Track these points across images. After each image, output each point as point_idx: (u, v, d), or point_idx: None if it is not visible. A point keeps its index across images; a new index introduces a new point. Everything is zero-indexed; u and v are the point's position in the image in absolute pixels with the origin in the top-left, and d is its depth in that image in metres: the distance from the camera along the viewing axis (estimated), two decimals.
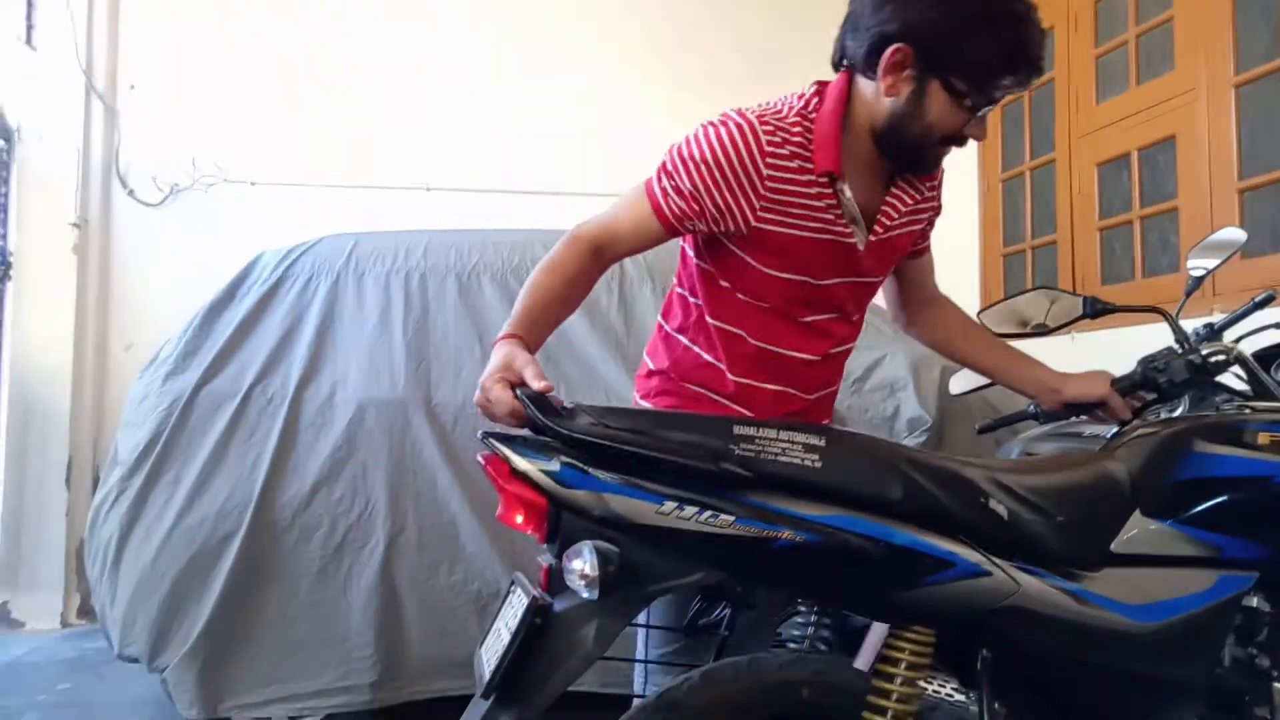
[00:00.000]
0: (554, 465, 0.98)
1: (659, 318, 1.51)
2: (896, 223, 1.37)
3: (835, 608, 1.05)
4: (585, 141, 4.27)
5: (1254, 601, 1.17)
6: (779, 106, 1.30)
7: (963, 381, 2.00)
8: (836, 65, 1.33)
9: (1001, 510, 1.05)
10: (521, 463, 0.99)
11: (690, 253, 1.42)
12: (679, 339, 1.43)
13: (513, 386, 1.07)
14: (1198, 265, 1.74)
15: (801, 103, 1.30)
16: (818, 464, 1.00)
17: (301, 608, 2.33)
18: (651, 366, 1.48)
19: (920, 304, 1.61)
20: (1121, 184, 3.35)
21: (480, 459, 1.04)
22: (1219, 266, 1.73)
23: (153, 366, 2.58)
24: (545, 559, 1.04)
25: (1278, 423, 1.20)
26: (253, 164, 4.10)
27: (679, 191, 1.27)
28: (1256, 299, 1.73)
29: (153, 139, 4.08)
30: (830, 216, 1.28)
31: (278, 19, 4.19)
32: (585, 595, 0.95)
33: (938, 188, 1.47)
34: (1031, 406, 1.61)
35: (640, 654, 1.41)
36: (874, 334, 2.65)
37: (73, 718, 2.69)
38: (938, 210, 1.51)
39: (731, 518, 0.97)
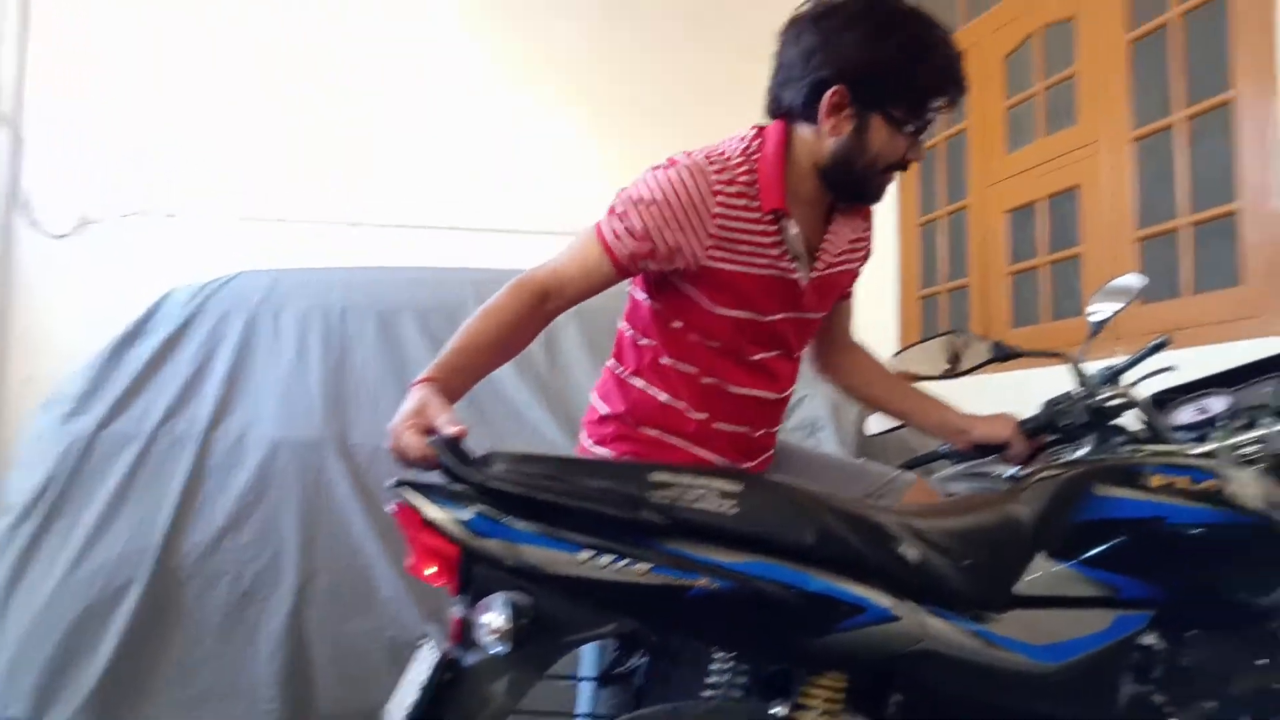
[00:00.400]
0: (466, 514, 0.96)
1: (610, 360, 1.50)
2: (837, 258, 1.43)
3: (750, 655, 1.05)
4: (517, 179, 4.28)
5: (1149, 640, 1.21)
6: (722, 149, 1.34)
7: (880, 421, 2.05)
8: (773, 115, 1.38)
9: (910, 554, 1.07)
10: (433, 511, 0.97)
11: (641, 295, 1.43)
12: (633, 382, 1.43)
13: (425, 432, 1.05)
14: (1099, 310, 1.82)
15: (744, 144, 1.34)
16: (734, 510, 1.01)
17: (204, 659, 2.22)
18: (605, 411, 1.46)
19: (837, 349, 1.66)
20: (1030, 230, 3.49)
21: (391, 507, 1.02)
22: (1120, 311, 1.81)
23: (51, 405, 2.46)
24: (457, 610, 1.02)
25: (1169, 465, 1.25)
26: (170, 196, 3.98)
27: (630, 232, 1.29)
28: (1153, 343, 1.82)
29: (63, 168, 3.93)
30: (776, 253, 1.33)
31: (200, 47, 4.09)
32: (496, 649, 0.93)
33: (870, 228, 1.53)
34: (943, 447, 1.65)
35: (583, 706, 1.38)
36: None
37: None
38: (868, 254, 1.56)
39: (647, 566, 0.97)
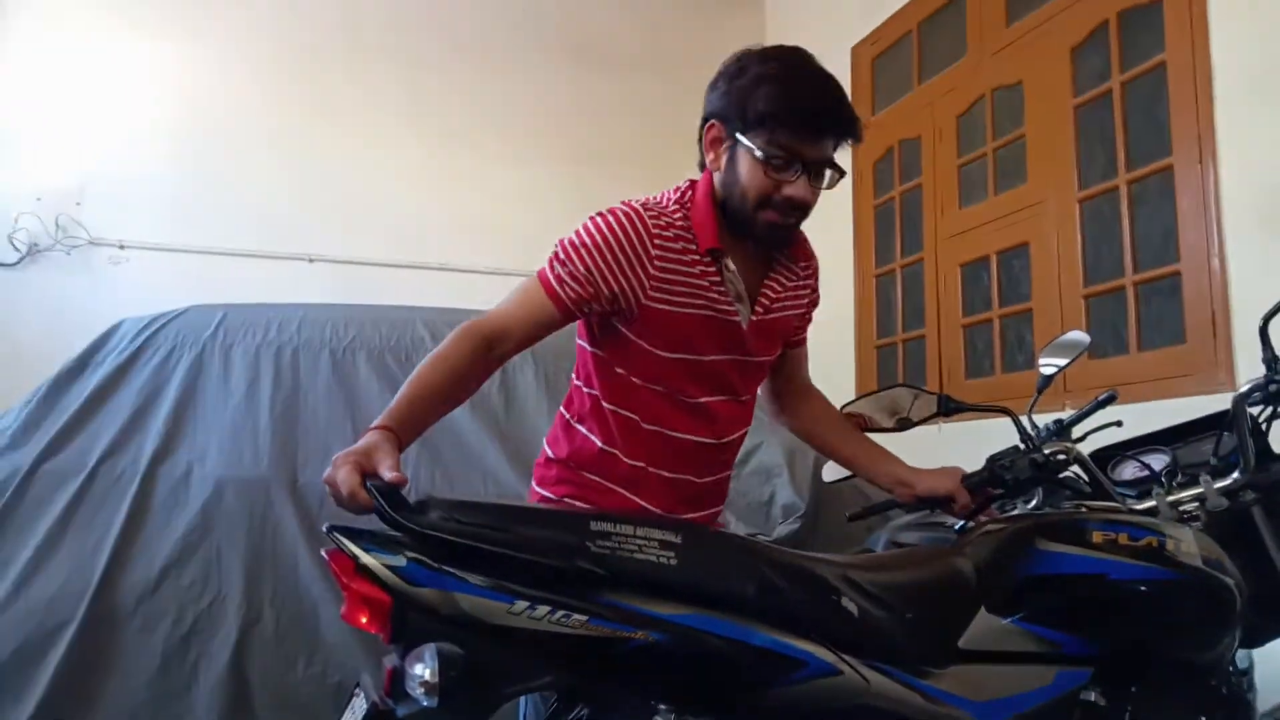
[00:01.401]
0: (400, 561, 0.94)
1: (560, 407, 1.51)
2: (777, 303, 1.44)
3: (688, 709, 1.03)
4: (474, 219, 4.29)
5: (1091, 696, 1.22)
6: (658, 198, 1.39)
7: (836, 469, 2.06)
8: (701, 167, 1.43)
9: (852, 608, 1.07)
10: (366, 558, 0.95)
11: (584, 342, 1.44)
12: (578, 428, 1.44)
13: (364, 474, 1.03)
14: (1047, 364, 1.86)
15: (677, 194, 1.39)
16: (673, 561, 1.00)
17: (140, 705, 2.13)
18: (551, 455, 1.47)
19: (792, 394, 1.68)
20: (982, 284, 3.56)
21: (324, 554, 0.99)
22: (1067, 366, 1.85)
23: None
24: (390, 660, 0.99)
25: (1111, 522, 1.27)
26: (123, 226, 3.92)
27: (574, 277, 1.31)
28: (1099, 398, 1.86)
29: (11, 195, 3.86)
30: (715, 294, 1.35)
31: (156, 74, 4.06)
32: (425, 702, 0.91)
33: (814, 275, 1.56)
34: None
35: None
36: (753, 420, 2.70)
37: None
38: (815, 301, 1.59)
39: (585, 618, 0.95)
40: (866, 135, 3.82)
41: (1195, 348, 2.67)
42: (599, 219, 1.33)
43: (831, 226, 4.40)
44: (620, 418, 1.39)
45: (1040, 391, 1.88)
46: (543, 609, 0.94)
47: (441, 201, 4.32)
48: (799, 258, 1.50)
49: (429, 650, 0.91)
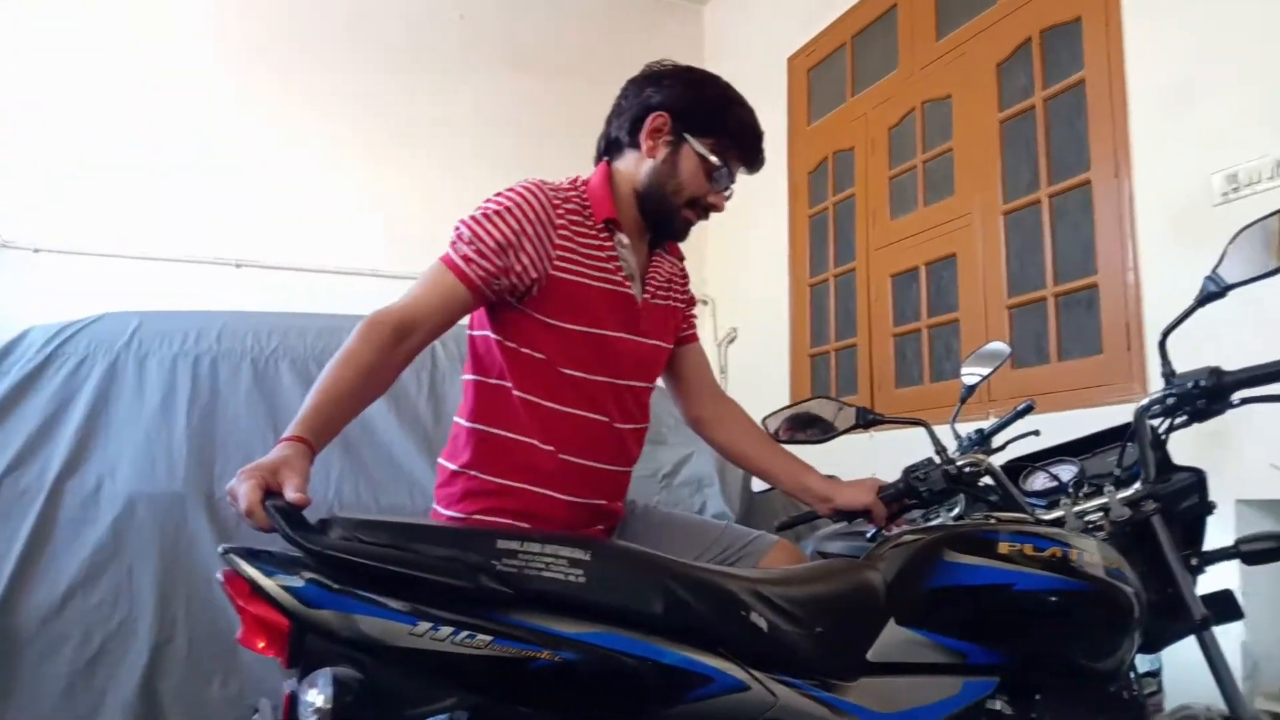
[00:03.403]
0: (298, 582, 0.92)
1: (456, 418, 1.49)
2: (662, 290, 1.54)
3: None
4: (410, 225, 4.23)
5: (996, 705, 1.24)
6: (552, 183, 1.45)
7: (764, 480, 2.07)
8: (599, 156, 1.53)
9: (761, 622, 1.07)
10: (262, 579, 0.92)
11: (486, 332, 1.43)
12: (480, 428, 1.42)
13: (268, 491, 1.00)
14: (970, 374, 1.90)
15: (569, 180, 1.48)
16: (581, 579, 0.99)
17: None
18: (453, 467, 1.43)
19: (702, 396, 1.69)
20: (912, 295, 3.63)
21: (219, 576, 0.96)
22: (988, 376, 1.89)
23: None
24: (289, 685, 0.97)
25: (1018, 533, 1.29)
26: (35, 229, 3.77)
27: (482, 254, 1.32)
28: (1018, 408, 1.90)
29: None
30: (611, 267, 1.43)
31: (69, 78, 3.92)
32: None
33: (687, 276, 1.67)
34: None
35: None
36: (683, 431, 2.70)
37: None
38: (692, 300, 1.69)
39: (489, 638, 0.94)
40: (802, 145, 4.02)
41: (1111, 359, 2.75)
42: (499, 196, 1.37)
43: (767, 235, 4.45)
44: (527, 403, 1.39)
45: (963, 401, 1.92)
46: (446, 630, 0.93)
47: (376, 207, 4.25)
48: (674, 254, 1.62)
49: (323, 675, 0.88)
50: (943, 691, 1.17)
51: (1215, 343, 1.65)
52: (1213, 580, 1.44)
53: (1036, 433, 1.84)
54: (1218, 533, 1.47)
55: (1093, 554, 1.28)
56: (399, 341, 1.26)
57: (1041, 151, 3.09)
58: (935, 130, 3.58)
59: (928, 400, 3.41)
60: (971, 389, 1.91)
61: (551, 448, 1.39)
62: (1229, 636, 1.43)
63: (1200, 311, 1.39)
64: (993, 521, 1.39)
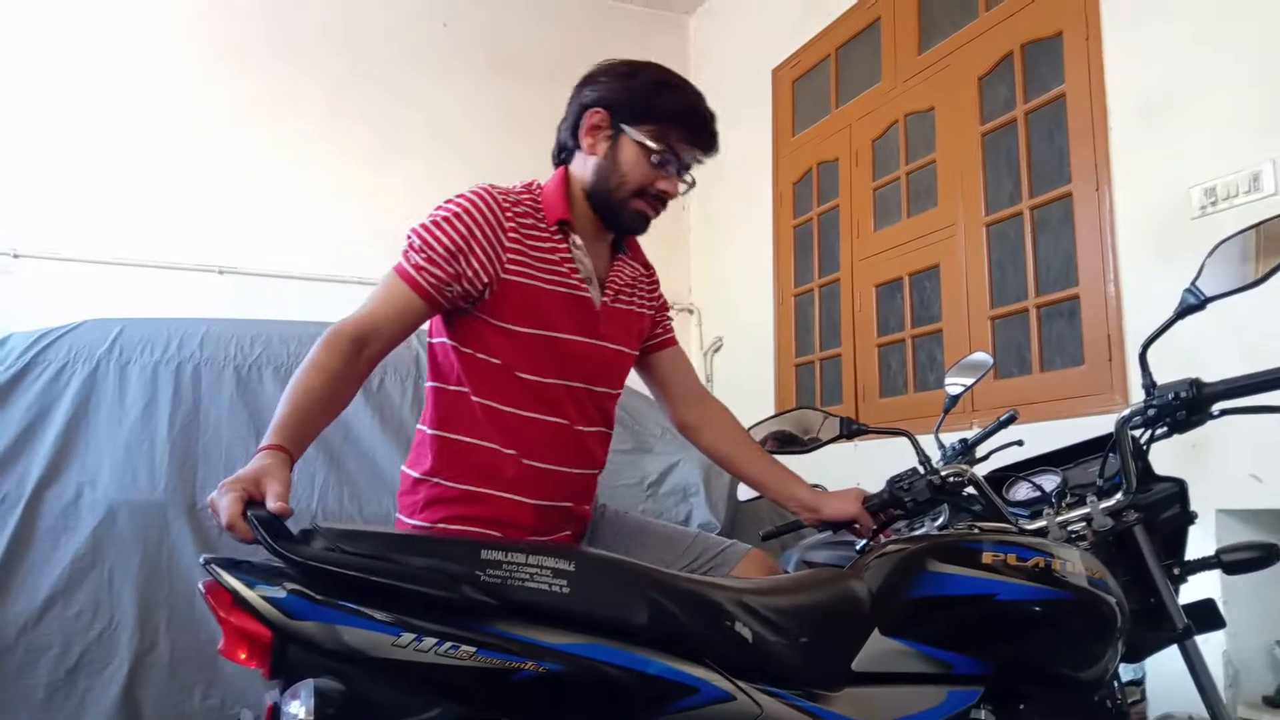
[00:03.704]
0: (280, 593, 0.91)
1: (419, 426, 1.49)
2: (624, 293, 1.53)
3: None
4: (396, 232, 4.21)
5: (981, 715, 1.24)
6: (504, 187, 1.44)
7: (751, 489, 2.07)
8: (555, 163, 1.54)
9: (746, 632, 1.07)
10: (244, 590, 0.91)
11: (442, 339, 1.44)
12: (442, 435, 1.42)
13: (249, 501, 1.00)
14: (953, 384, 1.91)
15: (523, 184, 1.48)
16: (565, 590, 0.99)
17: None
18: (416, 475, 1.44)
19: (688, 399, 1.69)
20: (896, 305, 3.65)
21: (201, 586, 0.95)
22: (971, 386, 1.91)
23: None
24: (272, 696, 0.96)
25: (1001, 543, 1.30)
26: (15, 234, 3.74)
27: (433, 261, 1.33)
28: (1001, 418, 1.92)
29: None
30: (565, 270, 1.42)
31: (51, 77, 3.89)
32: None
33: (655, 279, 1.66)
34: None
35: None
36: (669, 440, 2.71)
37: None
38: (663, 305, 1.67)
39: (473, 649, 0.93)
40: (786, 155, 4.02)
41: (1092, 369, 2.78)
42: (448, 203, 1.38)
43: (752, 245, 4.47)
44: (486, 408, 1.40)
45: (946, 411, 1.93)
46: (430, 641, 0.92)
47: (361, 214, 4.24)
48: (639, 261, 1.61)
49: (305, 687, 0.87)
50: (927, 701, 1.18)
51: (1195, 355, 1.67)
52: (1194, 590, 1.45)
53: (1019, 443, 1.85)
54: (1199, 543, 1.49)
55: (1075, 564, 1.29)
56: (359, 351, 1.28)
57: (1023, 164, 3.12)
58: (918, 142, 3.61)
59: (912, 410, 3.43)
60: (955, 399, 1.92)
61: (513, 452, 1.40)
62: (1211, 645, 1.44)
63: (1180, 323, 1.41)
64: (976, 531, 1.40)
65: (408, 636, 0.92)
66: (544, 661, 0.95)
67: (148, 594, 2.16)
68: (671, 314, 1.72)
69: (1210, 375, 1.36)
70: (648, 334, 1.62)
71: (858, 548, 1.61)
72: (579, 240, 1.45)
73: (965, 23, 3.40)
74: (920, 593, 1.24)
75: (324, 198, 4.22)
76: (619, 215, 1.46)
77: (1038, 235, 3.06)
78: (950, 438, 1.96)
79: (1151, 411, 1.39)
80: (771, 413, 1.85)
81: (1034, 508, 1.57)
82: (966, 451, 1.96)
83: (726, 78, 4.87)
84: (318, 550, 0.94)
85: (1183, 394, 1.36)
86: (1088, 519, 1.41)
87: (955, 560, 1.26)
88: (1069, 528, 1.43)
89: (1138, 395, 1.43)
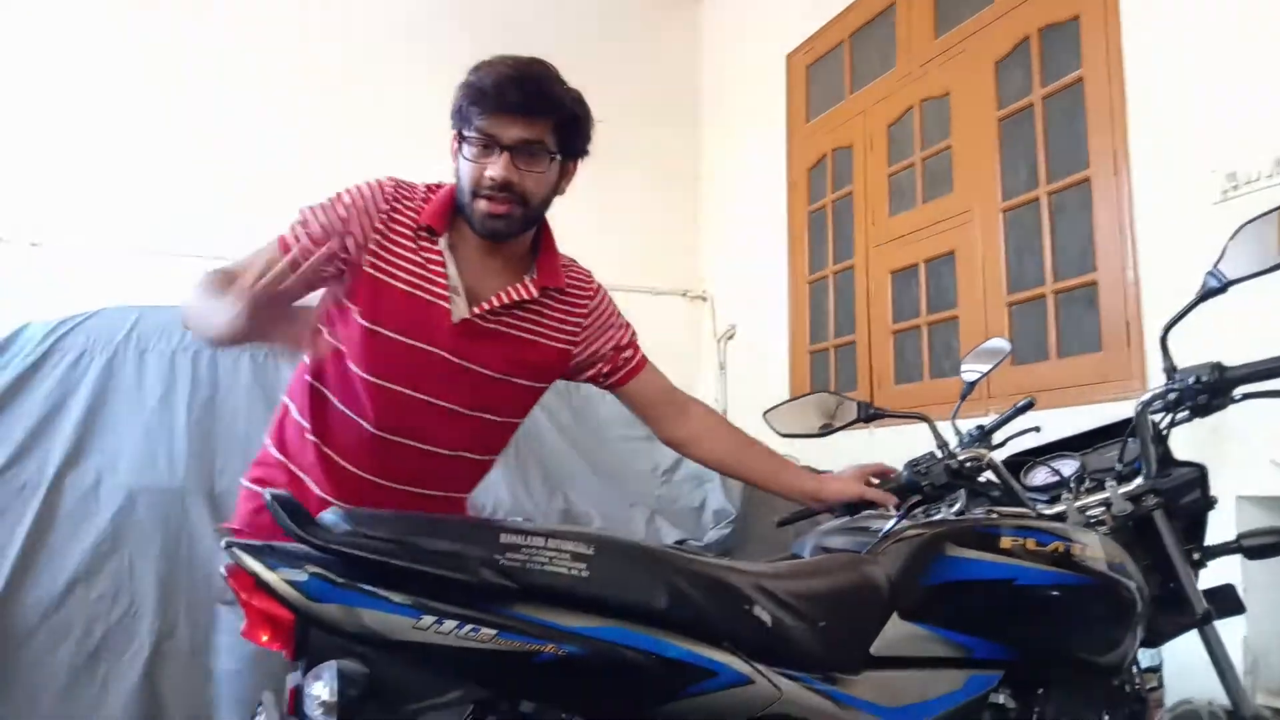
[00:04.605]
0: (302, 576, 0.92)
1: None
2: (509, 316, 1.43)
3: None
4: None
5: (1000, 699, 1.24)
6: (410, 184, 1.45)
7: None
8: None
9: (765, 616, 1.07)
10: (266, 573, 0.92)
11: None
12: (284, 400, 1.51)
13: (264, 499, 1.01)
14: (969, 371, 1.90)
15: (433, 185, 1.46)
16: (584, 573, 0.99)
17: None
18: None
19: (669, 416, 1.63)
20: (911, 292, 3.63)
21: (222, 570, 0.96)
22: (988, 373, 1.89)
23: None
24: (294, 679, 0.97)
25: (1020, 528, 1.29)
26: (34, 223, 3.75)
27: (308, 234, 1.37)
28: (1018, 405, 1.90)
29: None
30: (429, 274, 1.39)
31: (69, 65, 3.88)
32: (338, 717, 0.89)
33: (596, 311, 1.54)
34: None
35: None
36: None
37: None
38: (620, 342, 1.57)
39: (494, 631, 0.93)
40: (801, 141, 3.90)
41: (1110, 355, 2.76)
42: (349, 187, 1.41)
43: (766, 232, 4.45)
44: (315, 391, 1.43)
45: (963, 398, 1.92)
46: (450, 624, 0.92)
47: None
48: (572, 289, 1.50)
49: (328, 669, 0.88)
50: (946, 685, 1.18)
51: (1215, 340, 1.65)
52: (1214, 575, 1.45)
53: (1037, 429, 1.84)
54: (1218, 528, 1.48)
55: (1095, 548, 1.28)
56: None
57: (1040, 149, 3.09)
58: (934, 127, 3.58)
59: (927, 397, 3.41)
60: (972, 385, 1.91)
61: (315, 440, 1.42)
62: (1230, 631, 1.43)
63: (1200, 307, 1.39)
64: (994, 516, 1.39)
65: (428, 619, 0.92)
66: (564, 644, 0.95)
67: (167, 578, 2.19)
68: (632, 350, 1.60)
69: (1231, 360, 1.35)
70: (568, 367, 1.54)
71: (878, 531, 1.61)
72: (446, 248, 1.40)
73: (981, 7, 3.37)
74: (939, 577, 1.24)
75: (342, 182, 4.20)
76: (473, 222, 1.38)
77: (1055, 221, 3.03)
78: (967, 424, 1.95)
79: (1172, 395, 1.38)
80: (786, 399, 1.85)
81: (1052, 493, 1.56)
82: (983, 438, 1.94)
83: (739, 64, 4.84)
84: (338, 534, 0.94)
85: (1204, 377, 1.35)
86: (1107, 504, 1.40)
87: (973, 545, 1.26)
88: (1088, 512, 1.42)
89: (1157, 381, 1.43)
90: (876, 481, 1.56)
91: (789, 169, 4.38)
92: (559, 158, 1.39)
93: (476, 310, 1.40)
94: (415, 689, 0.95)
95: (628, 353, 1.59)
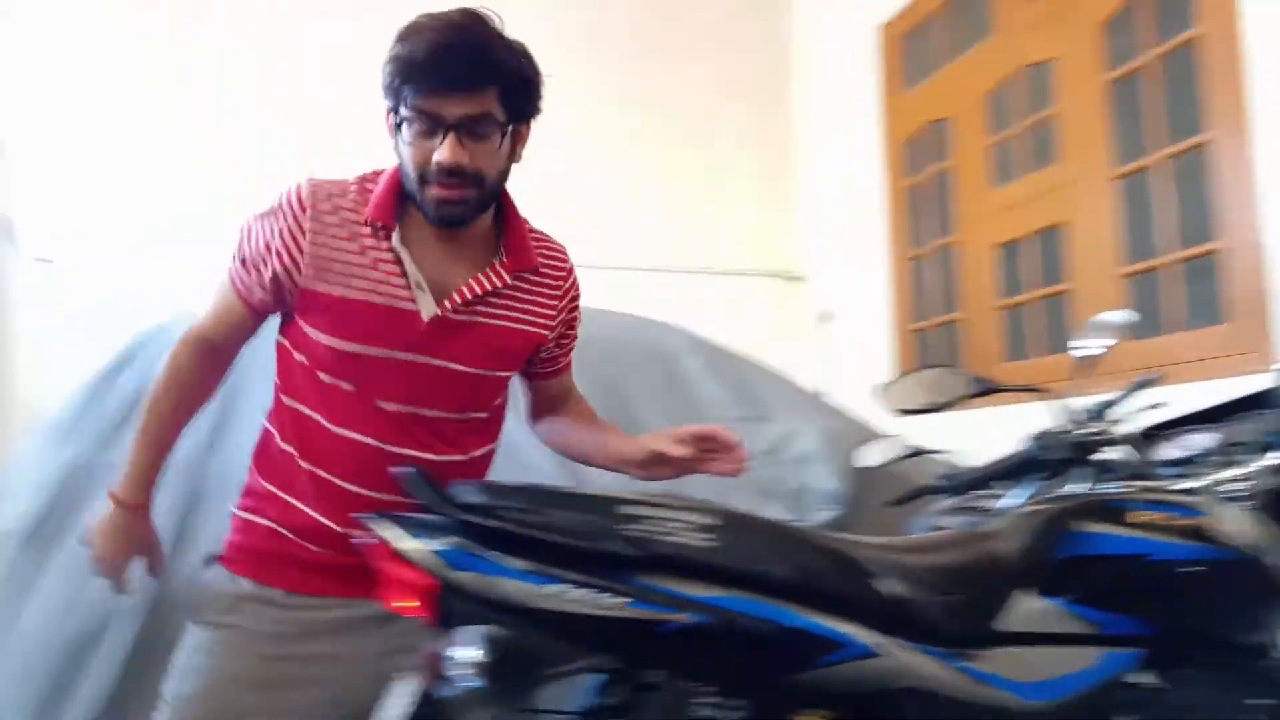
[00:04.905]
0: (440, 545, 0.96)
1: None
2: (483, 305, 1.29)
3: (726, 690, 1.04)
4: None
5: (1139, 678, 1.20)
6: (341, 179, 1.31)
7: (875, 455, 2.03)
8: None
9: (893, 589, 1.07)
10: (406, 543, 0.96)
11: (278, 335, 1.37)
12: (265, 425, 1.38)
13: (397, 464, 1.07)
14: (1086, 345, 1.83)
15: (362, 176, 1.31)
16: (711, 543, 1.00)
17: None
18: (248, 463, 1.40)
19: (555, 407, 1.54)
20: (1018, 266, 3.51)
21: (361, 541, 1.01)
22: (1108, 347, 1.82)
23: (44, 431, 2.44)
24: (432, 644, 1.01)
25: (1152, 502, 1.25)
26: (170, 224, 3.87)
27: (244, 265, 1.29)
28: (1140, 380, 1.83)
29: (53, 193, 3.86)
30: (381, 275, 1.24)
31: (208, 70, 4.04)
32: (472, 683, 0.92)
33: (550, 302, 1.38)
34: (941, 480, 1.64)
35: None
36: (788, 405, 2.69)
37: None
38: (563, 327, 1.44)
39: (623, 600, 0.96)
40: (897, 114, 3.76)
41: (1236, 327, 2.62)
42: (270, 205, 1.28)
43: (862, 209, 4.37)
44: (297, 414, 1.29)
45: (1081, 373, 1.86)
46: (581, 592, 0.95)
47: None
48: (546, 269, 1.37)
49: (472, 633, 0.92)
50: (1080, 662, 1.15)
51: None
52: None
53: (1161, 404, 1.77)
54: None
55: (1235, 523, 1.23)
56: (212, 353, 1.35)
57: (1153, 113, 2.94)
58: (1037, 94, 3.44)
59: (1038, 375, 3.26)
60: (1090, 360, 1.84)
61: (308, 466, 1.28)
62: None
63: None
64: (1125, 491, 1.35)
65: (560, 587, 0.95)
66: (691, 613, 0.97)
67: None
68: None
69: None
70: (534, 354, 1.41)
71: (994, 511, 1.58)
72: (399, 244, 1.25)
73: None
74: (1067, 552, 1.21)
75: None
76: (425, 211, 1.24)
77: (1172, 188, 2.88)
78: (1084, 402, 1.88)
79: None
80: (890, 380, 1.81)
81: (1183, 467, 1.50)
82: (1100, 415, 1.88)
83: (831, 36, 4.75)
84: (473, 504, 0.98)
85: None
86: (1250, 477, 1.34)
87: (1104, 519, 1.22)
88: (1226, 486, 1.36)
89: None
90: (698, 438, 1.33)
91: (886, 142, 4.29)
92: (510, 127, 1.22)
93: (447, 304, 1.26)
94: (548, 656, 0.98)
95: (568, 345, 1.48)
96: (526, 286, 1.34)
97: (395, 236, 1.25)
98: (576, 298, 1.43)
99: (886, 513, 2.12)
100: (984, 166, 3.70)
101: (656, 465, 1.33)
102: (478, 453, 1.37)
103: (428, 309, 1.25)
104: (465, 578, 0.95)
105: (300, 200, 1.25)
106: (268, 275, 1.25)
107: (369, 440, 1.26)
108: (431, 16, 1.18)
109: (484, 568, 0.95)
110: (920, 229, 4.10)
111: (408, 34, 1.17)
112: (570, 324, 1.44)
